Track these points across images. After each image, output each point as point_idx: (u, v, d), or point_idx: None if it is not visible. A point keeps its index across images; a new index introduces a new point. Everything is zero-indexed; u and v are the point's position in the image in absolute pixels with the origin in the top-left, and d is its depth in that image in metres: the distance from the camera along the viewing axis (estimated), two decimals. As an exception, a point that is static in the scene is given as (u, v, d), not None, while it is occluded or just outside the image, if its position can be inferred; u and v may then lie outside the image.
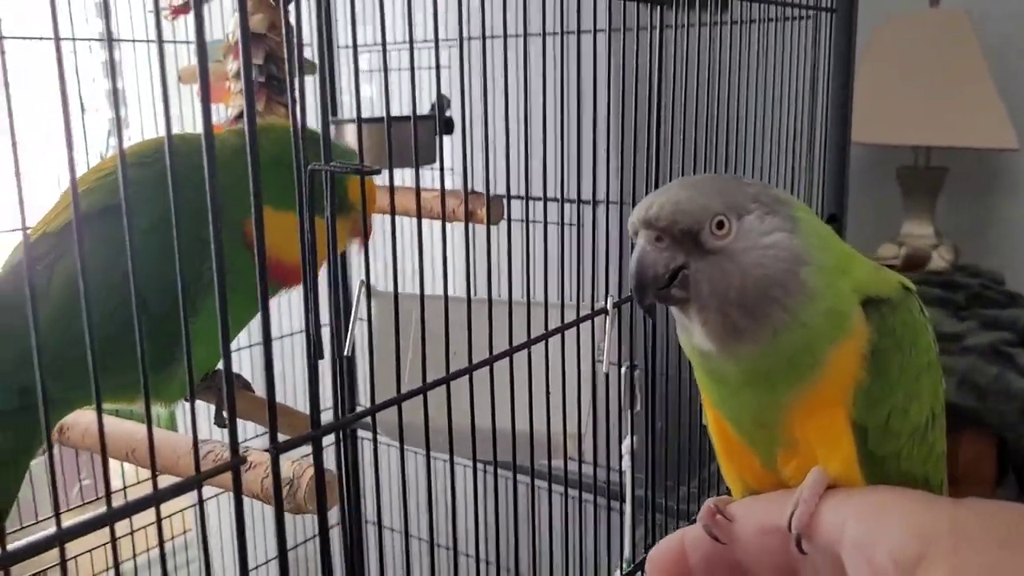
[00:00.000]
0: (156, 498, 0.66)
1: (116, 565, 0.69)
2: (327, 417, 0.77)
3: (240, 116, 1.36)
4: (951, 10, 2.87)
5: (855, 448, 0.56)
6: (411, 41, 0.77)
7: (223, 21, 1.67)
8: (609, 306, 1.04)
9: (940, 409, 0.63)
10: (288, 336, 2.18)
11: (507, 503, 1.03)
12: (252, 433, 1.74)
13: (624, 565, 1.37)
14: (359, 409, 0.81)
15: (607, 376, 1.05)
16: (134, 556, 1.94)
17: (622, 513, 1.29)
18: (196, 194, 0.59)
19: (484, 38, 0.94)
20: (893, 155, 3.07)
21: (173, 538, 2.05)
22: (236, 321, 0.95)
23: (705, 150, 1.25)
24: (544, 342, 0.92)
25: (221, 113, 1.83)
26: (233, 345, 0.68)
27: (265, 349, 0.63)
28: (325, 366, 0.75)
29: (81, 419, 1.17)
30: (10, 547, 0.56)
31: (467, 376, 0.83)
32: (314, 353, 0.69)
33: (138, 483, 1.77)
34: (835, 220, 1.59)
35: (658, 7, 1.00)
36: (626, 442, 1.26)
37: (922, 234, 2.99)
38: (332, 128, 1.75)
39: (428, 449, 0.85)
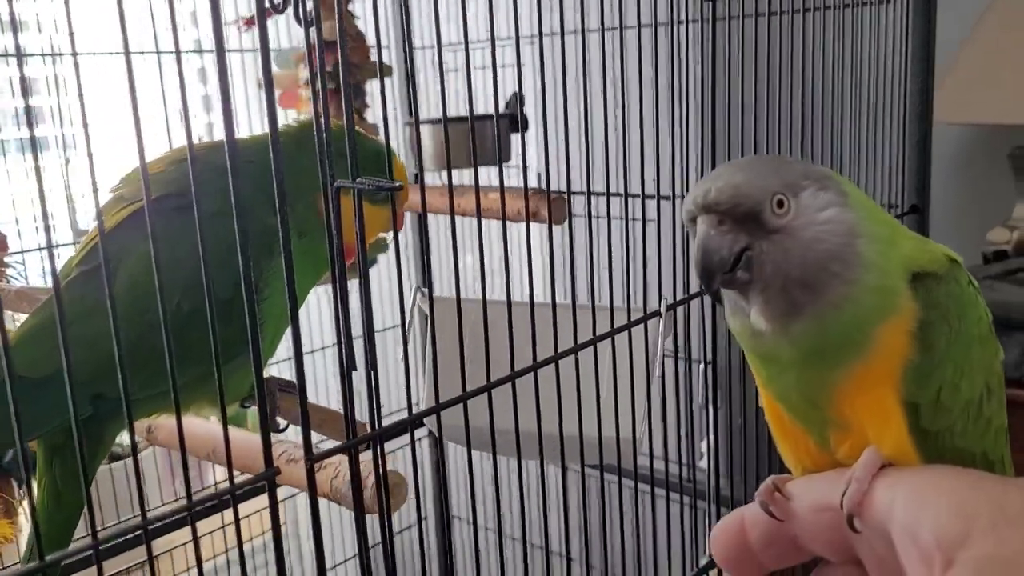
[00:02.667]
0: (232, 492, 0.68)
1: (199, 561, 0.72)
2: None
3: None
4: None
5: (906, 426, 0.56)
6: (492, 40, 0.78)
7: (290, 30, 1.71)
8: (663, 308, 1.02)
9: (997, 383, 0.62)
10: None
11: (576, 499, 1.03)
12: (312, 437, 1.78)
13: (704, 561, 1.35)
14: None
15: (662, 379, 1.04)
16: (214, 556, 1.99)
17: (708, 511, 1.28)
18: (266, 179, 0.63)
19: (540, 36, 0.94)
20: (1006, 135, 2.93)
21: (252, 539, 2.10)
22: (302, 290, 0.98)
23: (771, 141, 1.22)
24: (594, 346, 0.92)
25: (292, 118, 1.89)
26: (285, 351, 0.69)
27: (345, 344, 0.64)
28: (387, 370, 0.76)
29: (170, 419, 1.22)
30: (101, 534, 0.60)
31: (511, 382, 0.83)
32: (347, 364, 0.70)
33: (225, 480, 1.82)
34: (917, 211, 1.52)
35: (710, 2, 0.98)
36: (706, 440, 1.25)
37: (1036, 218, 2.85)
38: (409, 129, 1.78)
39: (495, 452, 0.86)
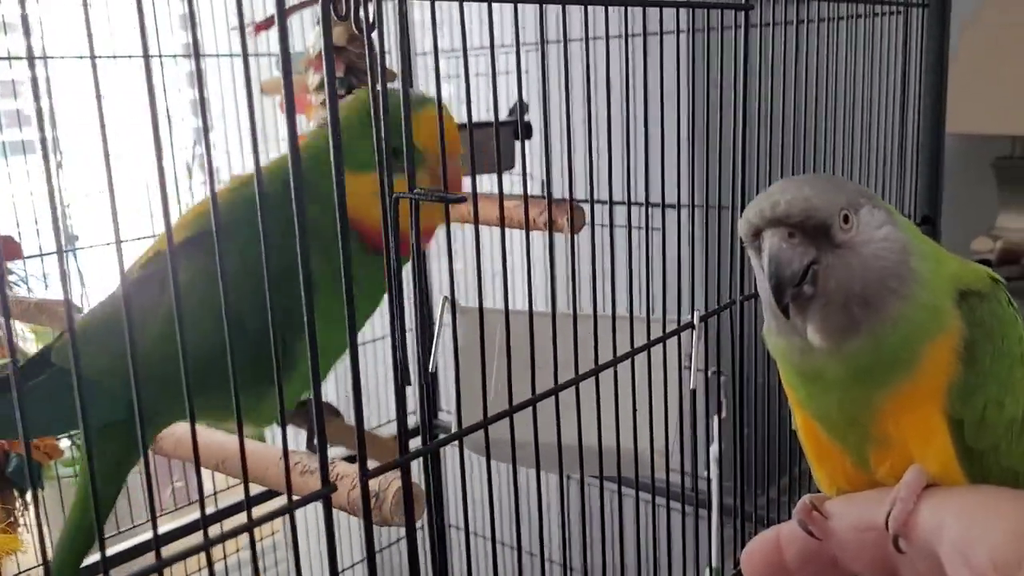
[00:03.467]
0: (248, 519, 0.67)
1: (210, 566, 0.71)
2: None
3: (322, 127, 1.37)
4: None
5: (951, 444, 0.56)
6: (492, 47, 0.76)
7: (304, 34, 1.69)
8: (696, 320, 1.02)
9: None
10: (361, 344, 2.20)
11: (590, 510, 1.03)
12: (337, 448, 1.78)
13: (711, 572, 1.35)
14: (442, 422, 0.80)
15: (693, 391, 1.03)
16: (224, 557, 1.98)
17: (709, 520, 1.27)
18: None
19: (564, 41, 0.93)
20: (989, 145, 2.96)
21: (262, 539, 2.09)
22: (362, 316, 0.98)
23: (792, 151, 1.22)
24: (631, 358, 0.91)
25: (302, 125, 1.86)
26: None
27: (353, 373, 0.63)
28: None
29: (176, 429, 1.20)
30: (109, 551, 0.59)
31: (554, 396, 0.82)
32: (401, 379, 0.69)
33: (228, 488, 1.81)
34: (929, 222, 1.53)
35: (743, 11, 0.97)
36: (713, 448, 1.24)
37: (1019, 227, 2.88)
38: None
39: (515, 465, 0.85)
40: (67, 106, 1.63)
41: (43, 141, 0.57)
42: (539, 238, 1.03)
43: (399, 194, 0.67)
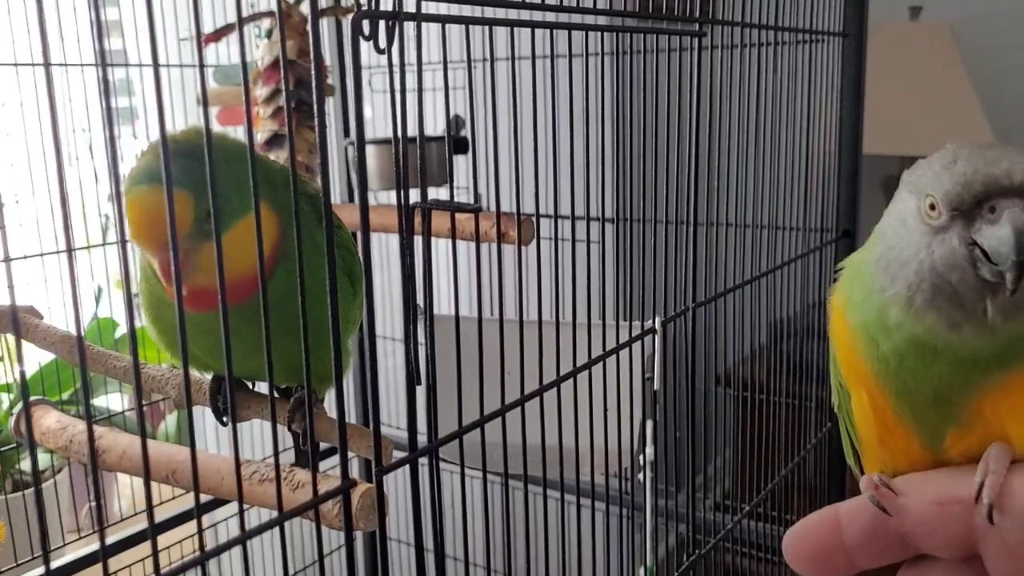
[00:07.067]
0: (315, 504, 0.68)
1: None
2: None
3: (270, 141, 1.38)
4: (933, 23, 2.95)
5: None
6: (419, 63, 0.78)
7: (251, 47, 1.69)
8: (657, 325, 1.07)
9: None
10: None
11: (517, 513, 1.05)
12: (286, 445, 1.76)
13: (646, 572, 1.39)
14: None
15: (655, 392, 1.08)
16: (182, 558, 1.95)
17: (632, 520, 1.31)
18: None
19: (512, 59, 0.95)
20: (880, 164, 3.14)
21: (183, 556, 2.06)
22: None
23: (717, 169, 1.29)
24: (593, 363, 0.95)
25: (239, 135, 1.86)
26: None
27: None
28: (395, 387, 0.77)
29: (120, 441, 1.18)
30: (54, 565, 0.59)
31: (521, 406, 0.86)
32: (414, 379, 0.72)
33: (173, 499, 1.78)
34: (848, 236, 1.63)
35: (697, 38, 1.03)
36: (648, 451, 1.29)
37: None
38: (351, 149, 1.77)
39: (463, 467, 0.87)
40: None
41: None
42: (509, 251, 1.06)
43: (417, 203, 0.71)
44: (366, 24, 0.63)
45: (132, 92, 1.82)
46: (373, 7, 0.63)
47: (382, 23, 0.63)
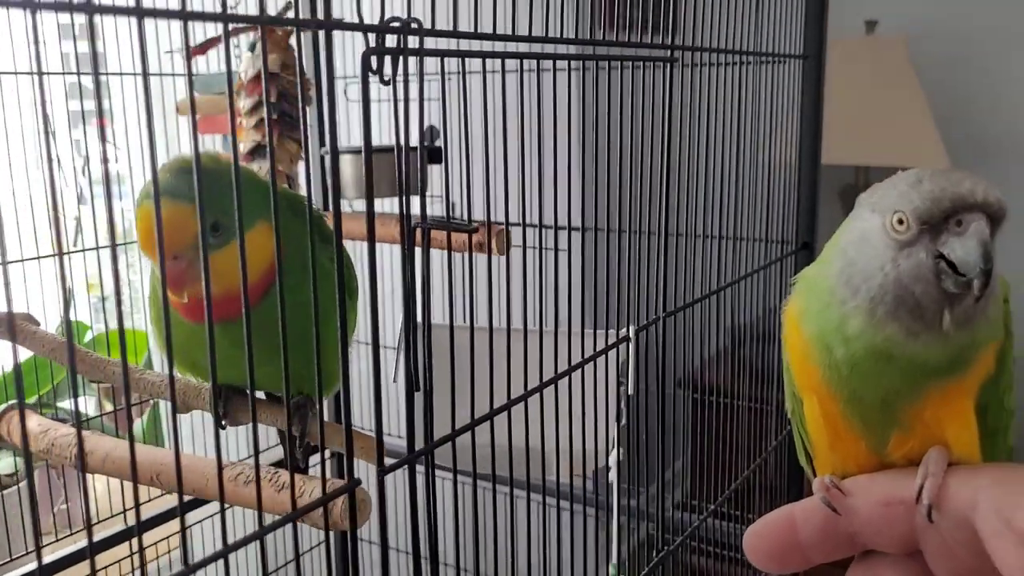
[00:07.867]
0: (324, 502, 0.71)
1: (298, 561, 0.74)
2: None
3: (253, 151, 1.42)
4: (887, 36, 3.03)
5: (976, 429, 0.61)
6: (406, 73, 0.83)
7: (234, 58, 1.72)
8: (631, 333, 1.13)
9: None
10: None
11: (487, 514, 1.08)
12: (271, 442, 1.77)
13: (611, 570, 1.45)
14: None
15: (629, 396, 1.14)
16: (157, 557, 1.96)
17: (608, 521, 1.36)
18: None
19: (484, 72, 0.99)
20: (837, 174, 3.23)
21: (158, 557, 2.08)
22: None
23: (686, 181, 1.35)
24: (573, 370, 1.00)
25: (217, 144, 1.89)
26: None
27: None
28: (390, 391, 0.81)
29: (103, 443, 1.20)
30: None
31: (507, 410, 0.91)
32: (411, 385, 0.77)
33: (150, 500, 1.80)
34: (807, 248, 1.70)
35: (668, 64, 1.09)
36: (614, 454, 1.34)
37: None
38: (326, 158, 1.80)
39: (455, 472, 0.92)
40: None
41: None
42: (482, 260, 1.10)
43: (417, 223, 0.75)
44: (374, 59, 0.67)
45: (110, 95, 1.85)
46: (379, 45, 0.67)
47: (388, 58, 0.68)
